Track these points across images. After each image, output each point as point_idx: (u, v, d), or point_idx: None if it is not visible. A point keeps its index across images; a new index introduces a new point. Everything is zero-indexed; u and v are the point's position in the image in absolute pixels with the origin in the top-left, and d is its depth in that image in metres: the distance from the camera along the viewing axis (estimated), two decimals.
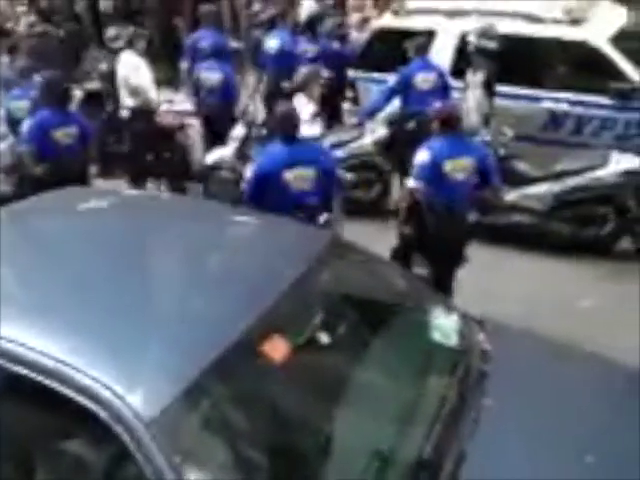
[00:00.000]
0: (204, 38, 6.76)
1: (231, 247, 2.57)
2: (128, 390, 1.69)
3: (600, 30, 6.11)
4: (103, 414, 1.63)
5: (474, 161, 4.16)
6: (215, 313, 2.12)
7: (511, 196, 5.53)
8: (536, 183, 5.44)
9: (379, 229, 5.71)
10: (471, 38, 6.05)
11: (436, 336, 2.32)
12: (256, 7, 9.32)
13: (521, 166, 5.54)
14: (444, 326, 2.36)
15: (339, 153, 5.78)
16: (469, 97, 5.58)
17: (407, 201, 4.31)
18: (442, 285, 4.12)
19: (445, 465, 1.81)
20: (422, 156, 4.17)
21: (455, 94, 5.99)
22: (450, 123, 4.16)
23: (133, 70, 6.32)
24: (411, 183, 4.26)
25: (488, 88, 5.87)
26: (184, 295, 2.30)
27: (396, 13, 6.91)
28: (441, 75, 6.04)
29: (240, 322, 2.03)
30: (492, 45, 5.93)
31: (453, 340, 2.32)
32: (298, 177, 3.83)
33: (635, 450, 2.10)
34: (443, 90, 5.90)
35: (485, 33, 5.98)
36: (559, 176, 5.36)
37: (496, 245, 5.52)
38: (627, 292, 4.94)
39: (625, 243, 5.45)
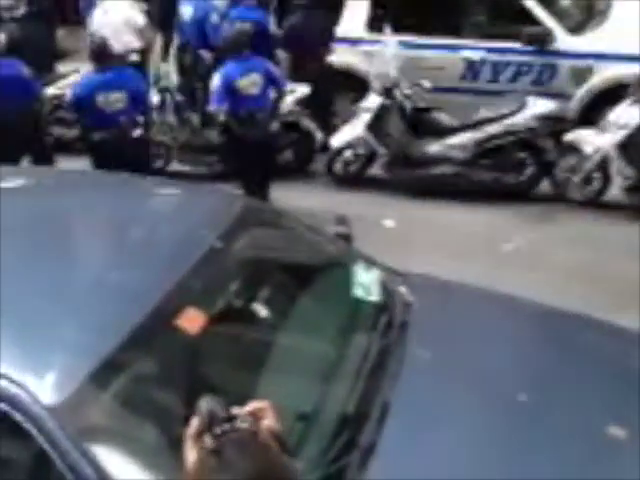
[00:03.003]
0: None
1: (143, 219, 2.49)
2: (31, 376, 1.61)
3: None
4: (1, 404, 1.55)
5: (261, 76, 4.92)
6: (128, 287, 2.06)
7: (434, 147, 5.58)
8: (457, 133, 5.50)
9: (308, 192, 5.74)
10: None
11: (357, 292, 2.32)
12: None
13: (441, 117, 5.58)
14: (365, 281, 2.36)
15: None
16: (382, 50, 5.54)
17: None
18: (258, 195, 4.75)
19: (369, 418, 1.82)
20: (215, 80, 4.92)
21: (367, 47, 5.94)
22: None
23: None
24: (212, 107, 5.03)
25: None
26: (96, 270, 2.24)
27: None
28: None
29: (154, 294, 1.97)
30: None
31: (374, 295, 2.33)
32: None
33: (562, 387, 2.17)
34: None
35: None
36: (478, 124, 5.43)
37: (421, 197, 5.60)
38: (548, 233, 5.14)
39: (545, 186, 5.60)
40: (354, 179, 5.87)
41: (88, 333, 1.84)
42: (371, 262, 2.53)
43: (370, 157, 5.80)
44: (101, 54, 4.81)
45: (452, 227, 5.22)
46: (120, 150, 4.70)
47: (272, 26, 6.37)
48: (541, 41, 5.95)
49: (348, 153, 5.78)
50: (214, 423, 1.03)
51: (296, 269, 2.40)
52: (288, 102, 5.71)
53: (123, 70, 5.05)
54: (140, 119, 4.95)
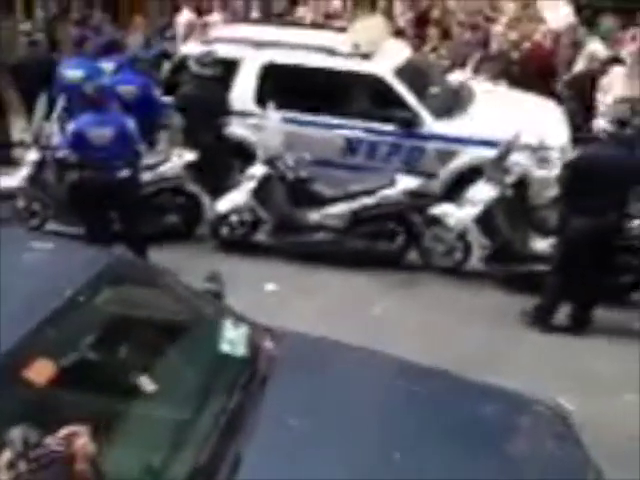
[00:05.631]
0: None
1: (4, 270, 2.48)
2: None
3: (386, 64, 6.80)
4: None
5: (114, 130, 5.24)
6: None
7: (313, 216, 5.97)
8: (334, 203, 5.93)
9: (193, 254, 5.92)
10: (190, 63, 6.49)
11: (224, 348, 2.51)
12: None
13: (320, 188, 6.00)
14: (232, 338, 2.56)
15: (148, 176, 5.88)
16: (268, 124, 5.95)
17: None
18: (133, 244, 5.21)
19: (219, 471, 1.96)
20: (69, 127, 5.33)
21: (255, 120, 6.36)
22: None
23: None
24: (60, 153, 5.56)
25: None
26: None
27: (205, 41, 7.14)
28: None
29: (3, 345, 1.98)
30: (208, 71, 6.40)
31: (241, 350, 2.53)
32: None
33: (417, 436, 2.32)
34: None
35: (201, 59, 6.42)
36: (354, 196, 5.89)
37: (303, 262, 5.93)
38: (413, 298, 5.59)
39: (413, 255, 6.10)
40: (240, 244, 6.13)
41: None
42: (239, 318, 2.74)
43: (255, 223, 6.10)
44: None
45: (328, 290, 5.57)
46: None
47: (158, 92, 6.67)
48: (410, 124, 6.59)
49: (234, 218, 6.05)
50: (28, 449, 1.10)
51: (161, 324, 2.52)
52: (175, 165, 5.96)
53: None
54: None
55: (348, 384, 2.68)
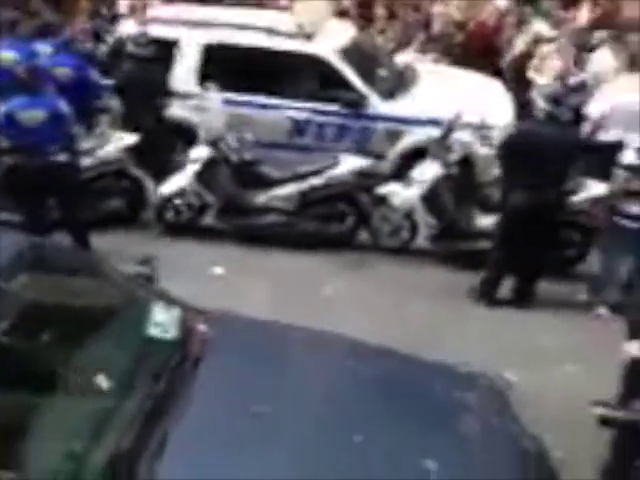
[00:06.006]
0: None
1: None
2: None
3: (329, 44, 6.73)
4: None
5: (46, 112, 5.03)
6: None
7: (261, 198, 5.91)
8: (281, 185, 5.87)
9: (138, 240, 5.79)
10: (127, 44, 6.40)
11: (153, 331, 2.45)
12: None
13: (266, 169, 5.93)
14: (162, 321, 2.50)
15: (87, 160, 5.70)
16: (210, 105, 5.84)
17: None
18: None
19: (143, 454, 1.91)
20: (1, 110, 5.08)
21: (196, 102, 6.23)
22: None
23: None
24: None
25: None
26: None
27: (142, 21, 6.95)
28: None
29: None
30: (144, 52, 6.34)
31: (171, 333, 2.47)
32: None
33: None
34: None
35: (136, 40, 6.36)
36: (301, 177, 5.84)
37: (251, 245, 5.86)
38: (363, 278, 5.59)
39: (364, 236, 6.10)
40: (186, 227, 6.02)
41: None
42: (172, 301, 2.68)
43: (202, 206, 5.99)
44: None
45: (278, 272, 5.52)
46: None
47: (95, 75, 6.47)
48: (356, 105, 6.57)
49: (179, 202, 5.93)
50: None
51: (85, 309, 2.45)
52: (115, 149, 5.80)
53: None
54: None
55: (287, 365, 2.65)
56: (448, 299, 5.19)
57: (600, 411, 2.58)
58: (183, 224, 6.01)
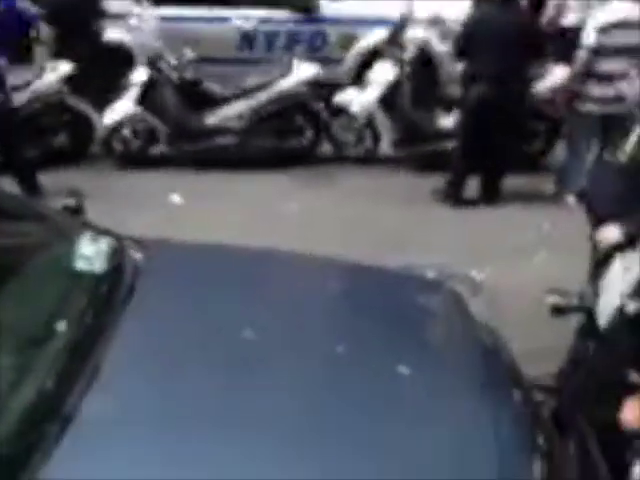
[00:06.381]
0: None
1: None
2: None
3: None
4: None
5: None
6: None
7: (211, 119, 5.60)
8: (231, 102, 5.56)
9: (88, 174, 5.52)
10: None
11: (79, 264, 2.28)
12: None
13: (213, 88, 5.60)
14: (90, 253, 2.32)
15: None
16: (144, 23, 5.45)
17: None
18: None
19: (72, 388, 1.80)
20: None
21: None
22: None
23: None
24: None
25: None
26: None
27: None
28: None
29: None
30: None
31: (99, 265, 2.30)
32: None
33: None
34: None
35: None
36: (250, 92, 5.53)
37: (207, 169, 5.62)
38: (328, 191, 5.40)
39: (326, 148, 5.86)
40: (138, 158, 5.74)
41: None
42: (101, 232, 2.49)
43: (151, 134, 5.69)
44: None
45: (237, 195, 5.31)
46: None
47: (24, 3, 6.01)
48: (306, 9, 6.17)
49: (126, 131, 5.63)
50: None
51: (6, 250, 2.27)
52: (50, 80, 5.42)
53: None
54: None
55: (233, 289, 2.50)
56: (414, 203, 5.03)
57: (552, 299, 2.51)
58: (134, 154, 5.72)
